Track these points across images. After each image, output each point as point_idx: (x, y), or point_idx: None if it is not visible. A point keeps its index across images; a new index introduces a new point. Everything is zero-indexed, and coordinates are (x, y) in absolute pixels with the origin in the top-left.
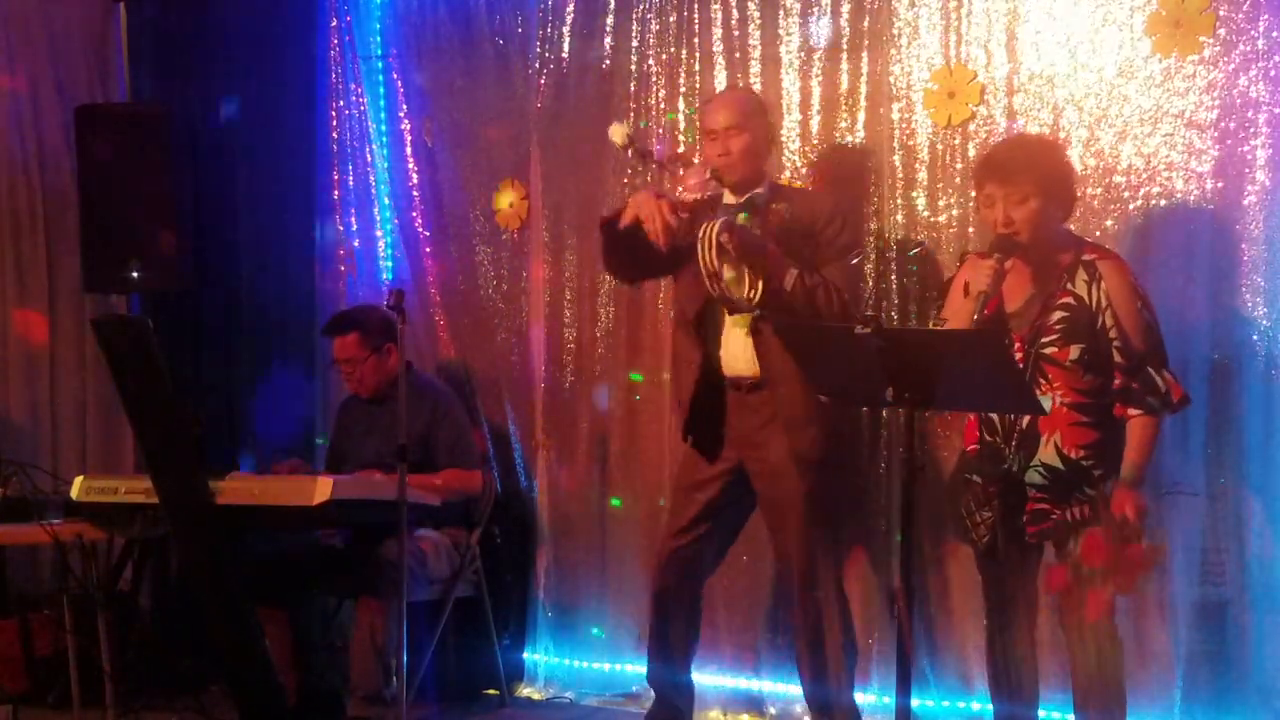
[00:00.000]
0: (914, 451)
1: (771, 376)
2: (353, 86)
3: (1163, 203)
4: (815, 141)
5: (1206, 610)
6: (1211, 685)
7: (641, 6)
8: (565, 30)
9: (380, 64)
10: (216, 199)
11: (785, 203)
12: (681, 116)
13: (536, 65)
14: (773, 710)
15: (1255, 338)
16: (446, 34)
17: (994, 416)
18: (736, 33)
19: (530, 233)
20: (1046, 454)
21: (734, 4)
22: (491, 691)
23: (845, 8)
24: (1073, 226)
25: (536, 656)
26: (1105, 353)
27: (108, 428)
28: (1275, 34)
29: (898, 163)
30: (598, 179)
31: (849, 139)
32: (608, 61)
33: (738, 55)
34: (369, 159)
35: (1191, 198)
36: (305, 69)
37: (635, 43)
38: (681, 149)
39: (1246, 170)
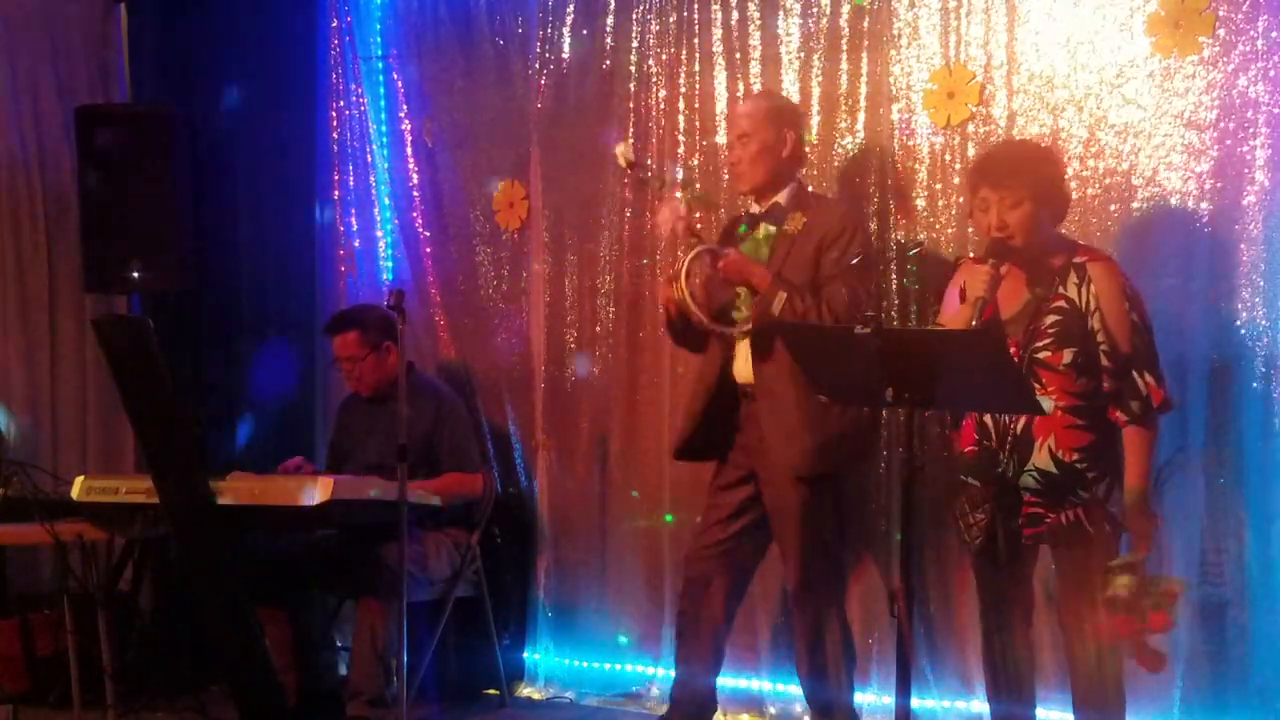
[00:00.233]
0: (914, 451)
1: (764, 386)
2: (353, 86)
3: (1163, 203)
4: (815, 142)
5: (1206, 610)
6: (1211, 685)
7: (641, 6)
8: (565, 30)
9: (380, 64)
10: (216, 199)
11: (803, 212)
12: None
13: (536, 65)
14: (773, 710)
15: (1254, 338)
16: (446, 34)
17: (988, 420)
18: (736, 33)
19: (530, 233)
20: (1040, 458)
21: (734, 4)
22: (491, 691)
23: (845, 8)
24: (1073, 227)
25: (536, 656)
26: (1096, 355)
27: (108, 428)
28: (1275, 34)
29: (897, 163)
30: (598, 179)
31: (848, 139)
32: (608, 61)
33: (738, 55)
34: (369, 159)
35: (1191, 198)
36: (305, 69)
37: (635, 43)
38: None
39: (1246, 170)
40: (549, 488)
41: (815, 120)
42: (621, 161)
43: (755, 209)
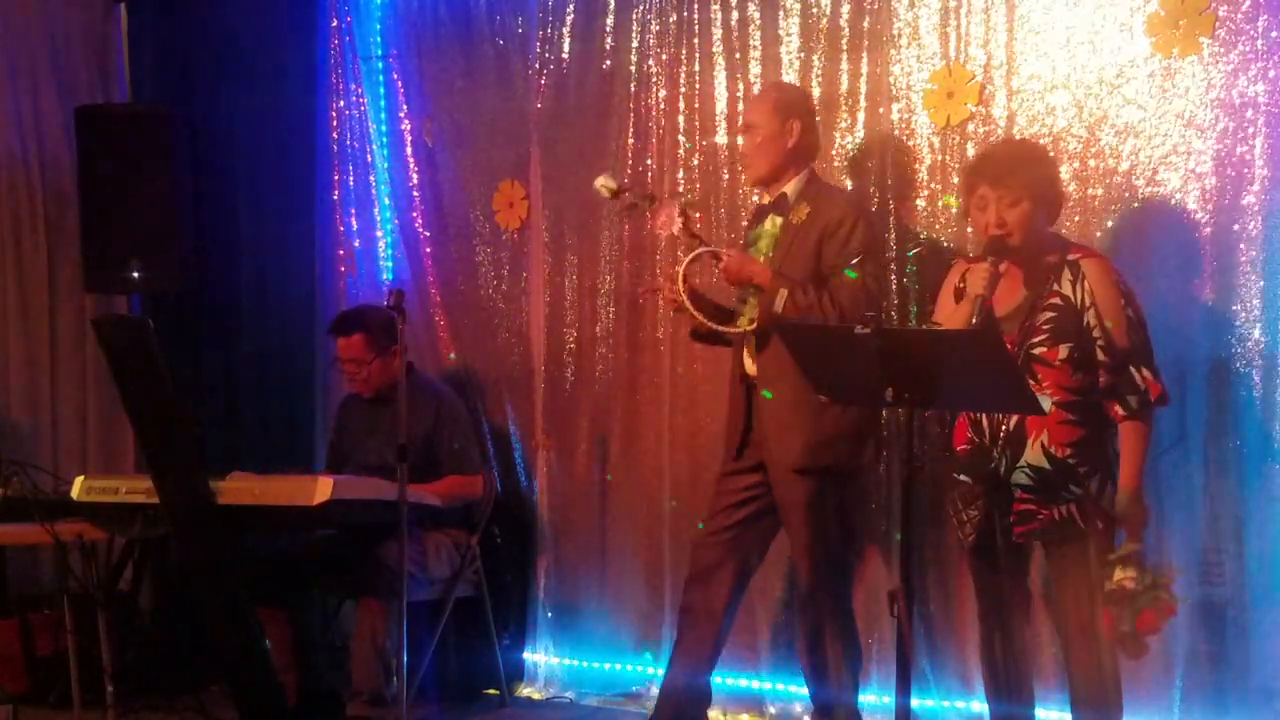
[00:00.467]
0: (914, 451)
1: (765, 381)
2: (353, 86)
3: (1163, 203)
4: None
5: (1206, 610)
6: (1211, 685)
7: (641, 7)
8: (565, 30)
9: (380, 64)
10: (216, 199)
11: (809, 203)
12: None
13: (536, 65)
14: (773, 710)
15: (1255, 338)
16: (446, 34)
17: (982, 418)
18: (736, 33)
19: (530, 233)
20: (1033, 454)
21: (734, 4)
22: (491, 691)
23: (845, 8)
24: (1073, 227)
25: (536, 656)
26: (1092, 351)
27: (108, 428)
28: (1275, 34)
29: (897, 163)
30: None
31: (848, 139)
32: (608, 61)
33: (738, 55)
34: (369, 159)
35: (1191, 198)
36: (305, 69)
37: (635, 43)
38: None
39: (1246, 170)
40: (549, 488)
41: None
42: (604, 193)
43: (765, 200)
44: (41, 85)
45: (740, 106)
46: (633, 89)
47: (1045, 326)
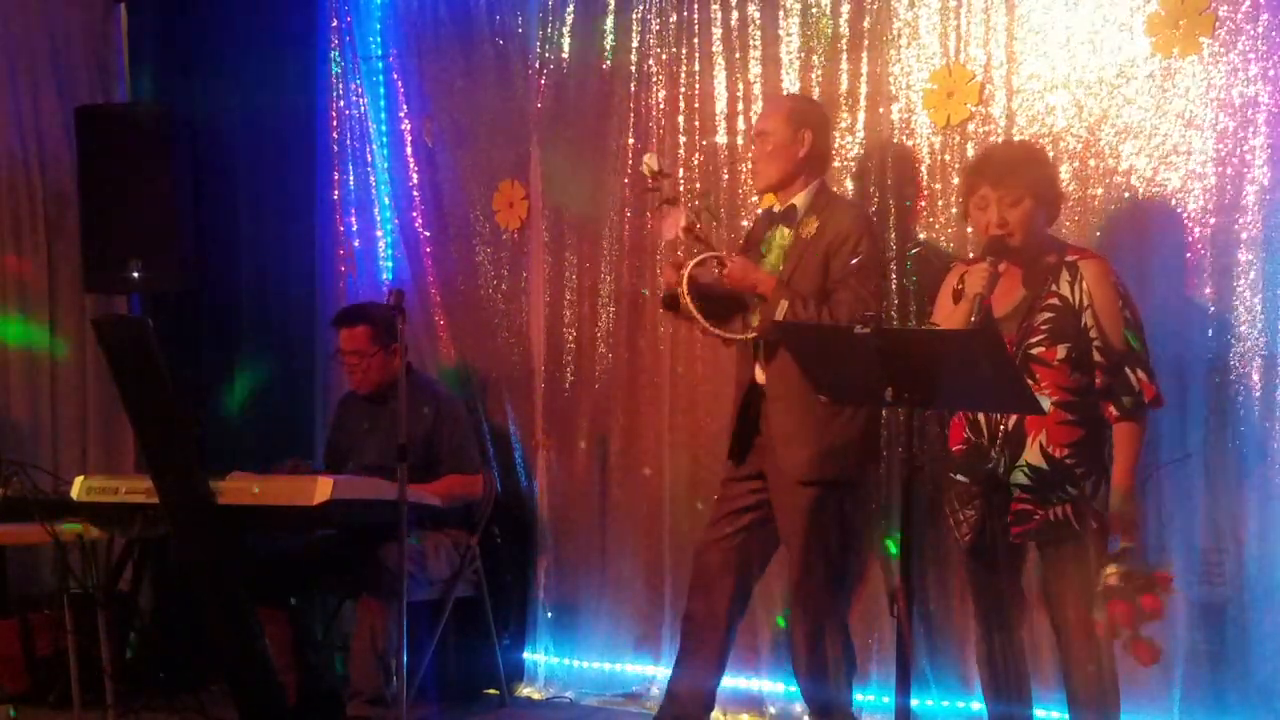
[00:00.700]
0: (914, 451)
1: (773, 389)
2: (353, 86)
3: (1163, 203)
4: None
5: (1206, 610)
6: (1211, 685)
7: (641, 6)
8: (565, 30)
9: (380, 64)
10: (216, 199)
11: (817, 215)
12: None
13: (536, 65)
14: (772, 710)
15: (1255, 338)
16: (446, 34)
17: (980, 417)
18: (736, 33)
19: (530, 233)
20: (1032, 454)
21: (734, 4)
22: (491, 691)
23: (845, 8)
24: (1073, 227)
25: (536, 656)
26: (1089, 351)
27: (108, 428)
28: (1275, 34)
29: (897, 163)
30: (598, 179)
31: (848, 139)
32: (608, 61)
33: (738, 55)
34: (369, 159)
35: (1191, 198)
36: (305, 69)
37: (635, 43)
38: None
39: (1246, 170)
40: (549, 488)
41: None
42: (646, 171)
43: (775, 208)
44: (41, 85)
45: (740, 106)
46: (633, 88)
47: (1043, 327)
